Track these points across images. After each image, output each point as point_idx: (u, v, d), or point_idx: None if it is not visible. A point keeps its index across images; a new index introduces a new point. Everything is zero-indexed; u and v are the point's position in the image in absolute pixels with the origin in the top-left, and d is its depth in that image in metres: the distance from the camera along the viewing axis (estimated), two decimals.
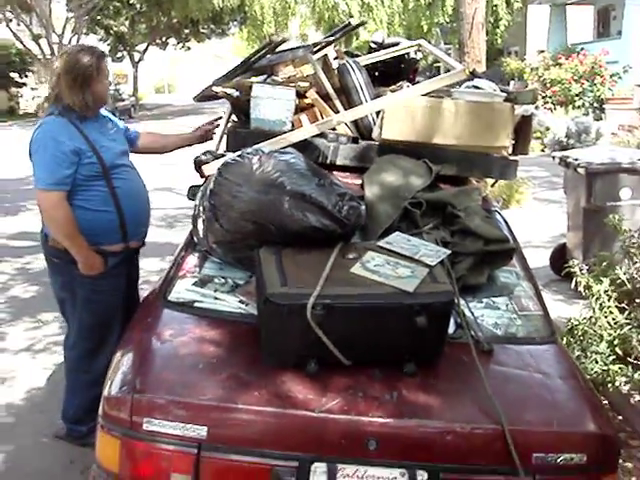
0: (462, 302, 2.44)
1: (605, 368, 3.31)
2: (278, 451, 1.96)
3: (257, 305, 2.28)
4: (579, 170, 5.25)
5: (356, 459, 1.96)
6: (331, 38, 3.91)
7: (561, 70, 16.50)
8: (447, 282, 2.21)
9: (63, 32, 27.88)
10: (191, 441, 1.96)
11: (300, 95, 3.25)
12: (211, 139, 3.54)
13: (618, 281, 3.69)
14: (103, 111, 3.12)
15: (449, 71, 3.40)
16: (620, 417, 3.58)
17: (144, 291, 3.08)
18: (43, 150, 2.86)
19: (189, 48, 41.17)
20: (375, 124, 3.20)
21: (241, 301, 2.49)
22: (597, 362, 3.33)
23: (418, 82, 3.71)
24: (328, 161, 3.08)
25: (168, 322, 2.45)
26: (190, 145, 3.48)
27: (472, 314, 2.45)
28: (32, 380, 4.04)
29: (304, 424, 1.97)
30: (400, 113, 3.03)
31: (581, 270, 3.75)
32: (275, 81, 3.38)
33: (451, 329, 2.32)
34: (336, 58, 3.77)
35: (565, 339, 3.47)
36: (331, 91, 3.33)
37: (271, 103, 3.09)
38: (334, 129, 3.18)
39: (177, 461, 1.98)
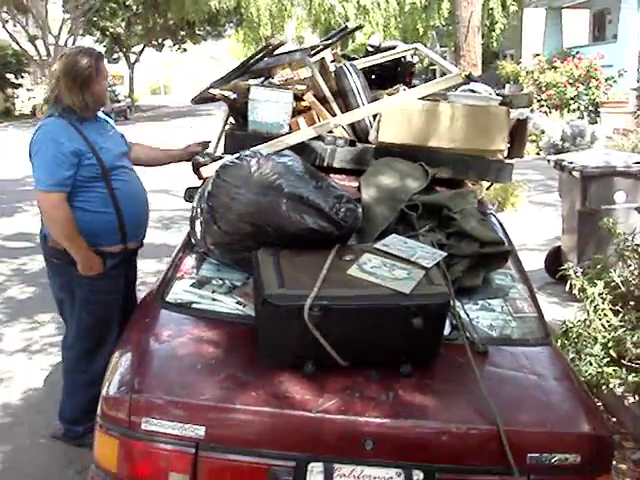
0: (458, 304, 2.45)
1: (599, 370, 3.33)
2: (275, 451, 1.98)
3: (255, 306, 2.29)
4: (574, 173, 5.26)
5: (353, 459, 1.97)
6: (328, 41, 3.92)
7: (556, 74, 16.52)
8: (443, 284, 2.22)
9: (59, 33, 27.90)
10: (189, 441, 1.98)
11: (297, 98, 3.26)
12: None
13: (612, 284, 3.71)
14: (100, 114, 3.13)
15: (445, 74, 3.42)
16: (614, 419, 3.60)
17: (141, 292, 3.09)
18: (43, 151, 2.87)
19: (185, 50, 41.24)
20: (372, 127, 3.22)
21: (239, 302, 2.50)
22: (591, 364, 3.35)
23: (414, 85, 3.73)
24: (325, 164, 3.10)
25: (166, 323, 2.46)
26: (179, 162, 3.42)
27: (467, 316, 2.47)
28: (29, 381, 4.04)
29: (301, 424, 1.98)
30: (396, 116, 3.05)
31: (576, 273, 3.78)
32: (272, 84, 3.39)
33: (447, 330, 2.35)
34: (333, 61, 3.78)
35: (560, 341, 3.49)
36: (328, 94, 3.34)
37: (269, 106, 3.11)
38: (331, 132, 3.19)
39: (175, 461, 2.00)
